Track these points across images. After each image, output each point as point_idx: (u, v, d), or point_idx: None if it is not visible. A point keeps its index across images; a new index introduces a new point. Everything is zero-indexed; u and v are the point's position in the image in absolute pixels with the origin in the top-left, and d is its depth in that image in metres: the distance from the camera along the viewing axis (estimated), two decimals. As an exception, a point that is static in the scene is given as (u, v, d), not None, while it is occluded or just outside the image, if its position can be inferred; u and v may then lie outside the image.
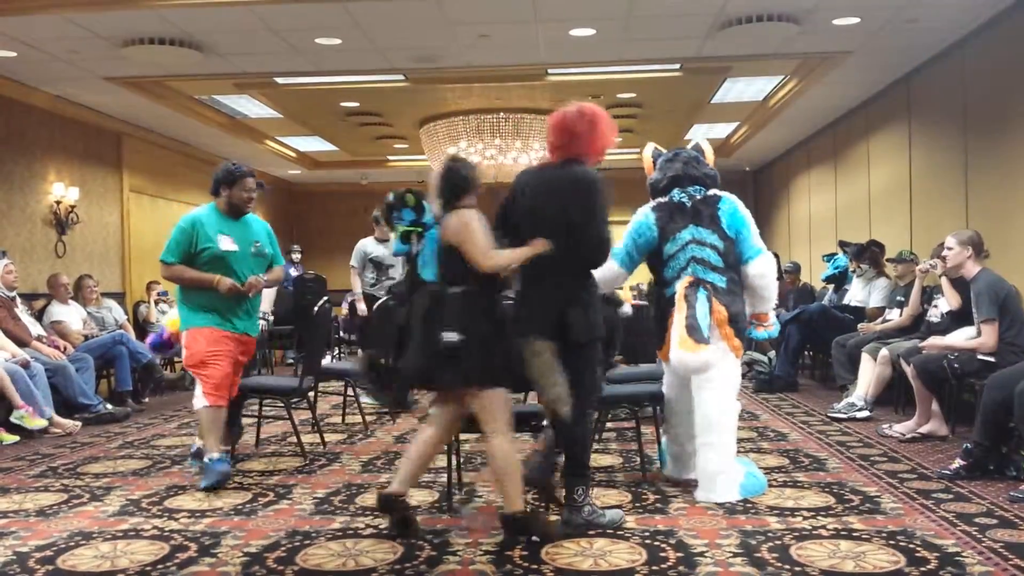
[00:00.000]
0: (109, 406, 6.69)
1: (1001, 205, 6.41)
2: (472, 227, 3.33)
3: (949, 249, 5.15)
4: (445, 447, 3.83)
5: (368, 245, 7.66)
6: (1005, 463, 4.25)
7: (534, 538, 3.32)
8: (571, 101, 3.61)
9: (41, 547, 3.41)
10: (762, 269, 4.08)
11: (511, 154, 10.72)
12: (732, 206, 4.11)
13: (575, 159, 3.55)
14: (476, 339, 3.28)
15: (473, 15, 6.38)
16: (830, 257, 8.68)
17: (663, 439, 4.45)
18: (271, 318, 7.06)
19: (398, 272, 7.80)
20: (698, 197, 4.11)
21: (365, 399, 5.97)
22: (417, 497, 4.09)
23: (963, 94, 7.02)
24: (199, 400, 4.47)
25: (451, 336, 3.27)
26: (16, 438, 5.74)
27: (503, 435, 3.34)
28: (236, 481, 4.52)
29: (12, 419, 5.79)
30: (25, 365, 6.07)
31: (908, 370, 5.48)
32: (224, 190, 4.62)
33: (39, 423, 5.88)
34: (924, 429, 5.30)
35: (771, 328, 4.27)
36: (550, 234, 3.40)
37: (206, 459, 4.38)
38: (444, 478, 4.28)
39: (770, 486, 4.19)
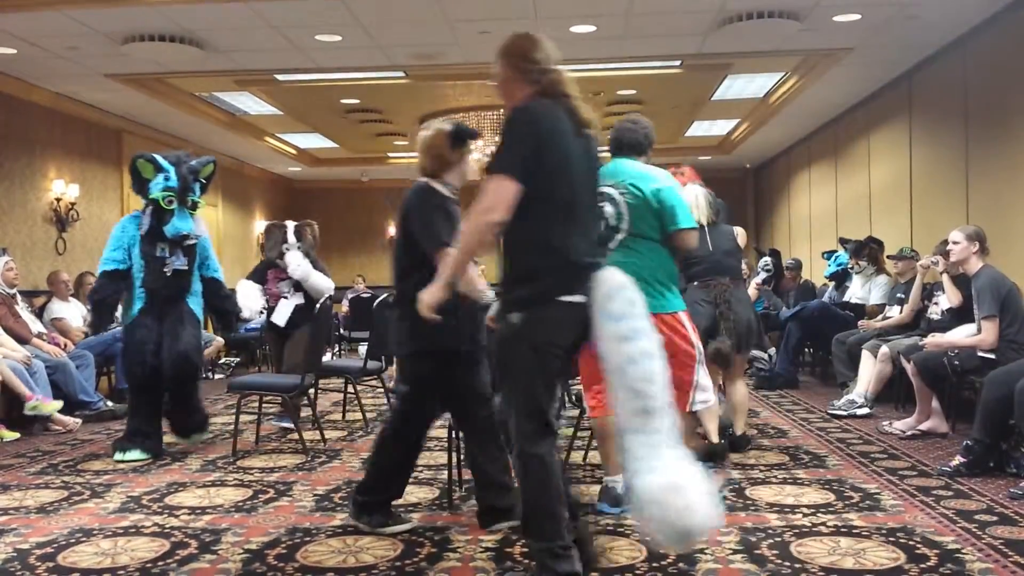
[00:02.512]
0: (109, 403, 6.69)
1: (1002, 202, 6.40)
2: None
3: (955, 243, 5.14)
4: None
5: None
6: (1005, 460, 4.25)
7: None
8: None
9: (42, 544, 3.41)
10: None
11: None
12: None
13: None
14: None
15: (473, 12, 6.37)
16: (830, 254, 8.68)
17: None
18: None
19: None
20: None
21: (125, 455, 4.97)
22: (417, 494, 4.09)
23: (964, 91, 7.01)
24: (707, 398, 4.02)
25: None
26: (16, 435, 5.75)
27: (743, 380, 5.10)
28: (236, 478, 4.53)
29: (27, 411, 5.84)
30: (26, 363, 6.07)
31: (908, 367, 5.48)
32: (651, 151, 3.92)
33: (54, 405, 5.95)
34: (924, 426, 5.30)
35: None
36: None
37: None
38: (445, 475, 4.29)
39: (770, 483, 4.21)
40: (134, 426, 5.04)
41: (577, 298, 2.57)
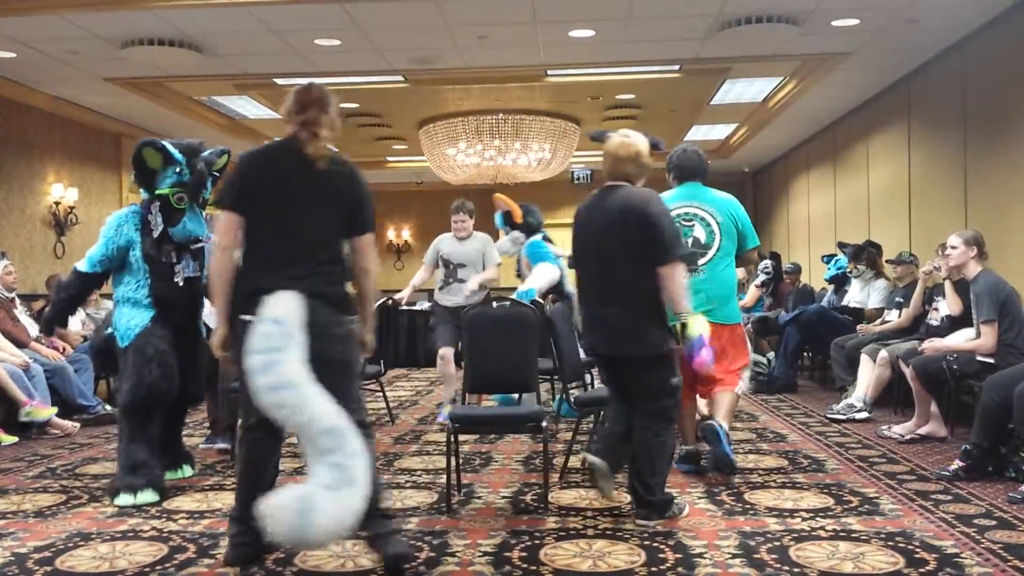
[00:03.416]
0: (108, 407, 6.67)
1: (1000, 206, 6.41)
2: None
3: (953, 248, 5.13)
4: None
5: (444, 241, 6.30)
6: (1004, 464, 4.25)
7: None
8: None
9: (40, 548, 3.41)
10: None
11: (510, 155, 10.72)
12: None
13: None
14: None
15: (472, 16, 6.38)
16: (829, 258, 8.68)
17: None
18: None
19: (468, 274, 6.13)
20: None
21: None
22: (416, 498, 4.09)
23: (963, 95, 7.02)
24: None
25: None
26: (15, 439, 5.74)
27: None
28: (234, 482, 4.50)
29: (21, 418, 5.80)
30: (24, 367, 6.06)
31: (907, 371, 5.48)
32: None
33: (48, 412, 5.91)
34: (923, 430, 5.30)
35: None
36: None
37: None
38: (443, 479, 4.28)
39: (769, 487, 4.21)
40: (142, 457, 4.16)
41: (250, 317, 2.91)
